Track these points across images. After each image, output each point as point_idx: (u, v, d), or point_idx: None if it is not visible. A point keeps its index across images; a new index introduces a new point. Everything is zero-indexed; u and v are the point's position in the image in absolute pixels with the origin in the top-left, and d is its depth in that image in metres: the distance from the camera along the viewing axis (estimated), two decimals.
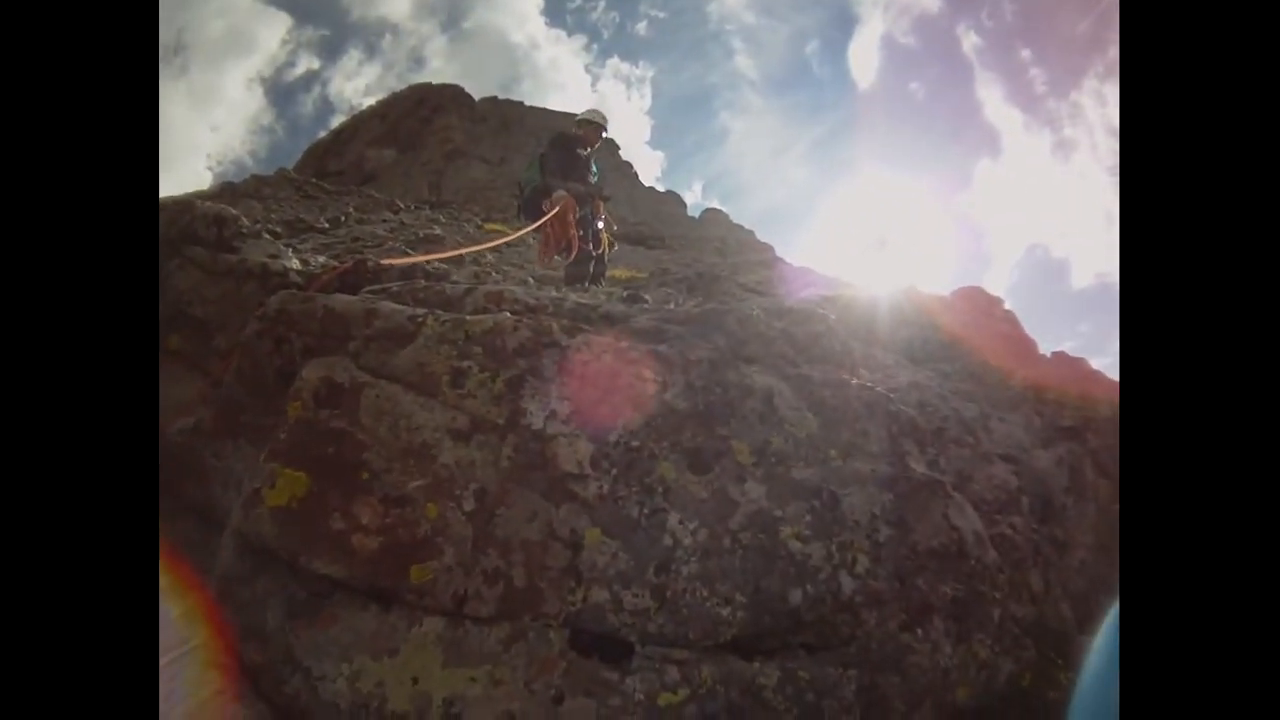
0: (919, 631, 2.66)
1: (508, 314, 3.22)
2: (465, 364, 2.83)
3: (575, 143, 8.85)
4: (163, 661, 2.55)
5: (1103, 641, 1.32)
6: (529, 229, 7.95)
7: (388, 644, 2.50)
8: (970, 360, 4.06)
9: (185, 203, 4.82)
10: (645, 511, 2.64)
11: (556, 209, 8.02)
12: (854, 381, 3.15)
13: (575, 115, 9.18)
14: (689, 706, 2.42)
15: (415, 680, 2.43)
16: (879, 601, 2.64)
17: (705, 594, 2.55)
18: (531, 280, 6.83)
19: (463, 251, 7.58)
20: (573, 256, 8.20)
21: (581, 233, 8.21)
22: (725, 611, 2.54)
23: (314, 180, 28.02)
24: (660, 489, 2.68)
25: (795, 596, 2.58)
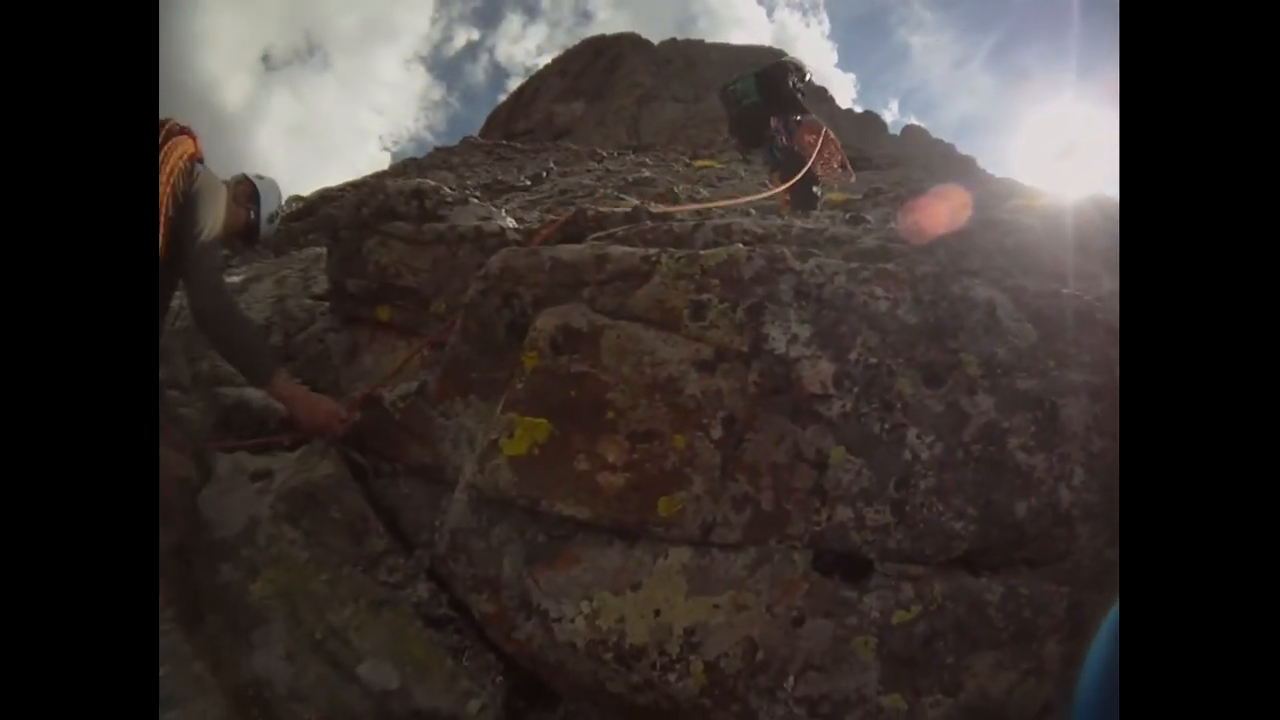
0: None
1: (740, 245, 3.54)
2: (704, 296, 3.15)
3: (792, 74, 9.38)
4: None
5: (1104, 640, 1.45)
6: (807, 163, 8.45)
7: (631, 579, 2.85)
8: None
9: (373, 184, 5.34)
10: (886, 427, 2.91)
11: (822, 134, 8.57)
12: (1064, 291, 3.31)
13: (763, 48, 9.72)
14: (920, 624, 2.68)
15: (657, 612, 2.77)
16: (1092, 515, 2.81)
17: (941, 508, 2.80)
18: (753, 211, 7.31)
19: (749, 199, 8.11)
20: (843, 179, 8.74)
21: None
22: (959, 525, 2.79)
23: (504, 142, 29.63)
24: (899, 404, 2.93)
25: (1021, 509, 2.80)
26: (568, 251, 3.52)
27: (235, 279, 7.31)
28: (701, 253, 3.32)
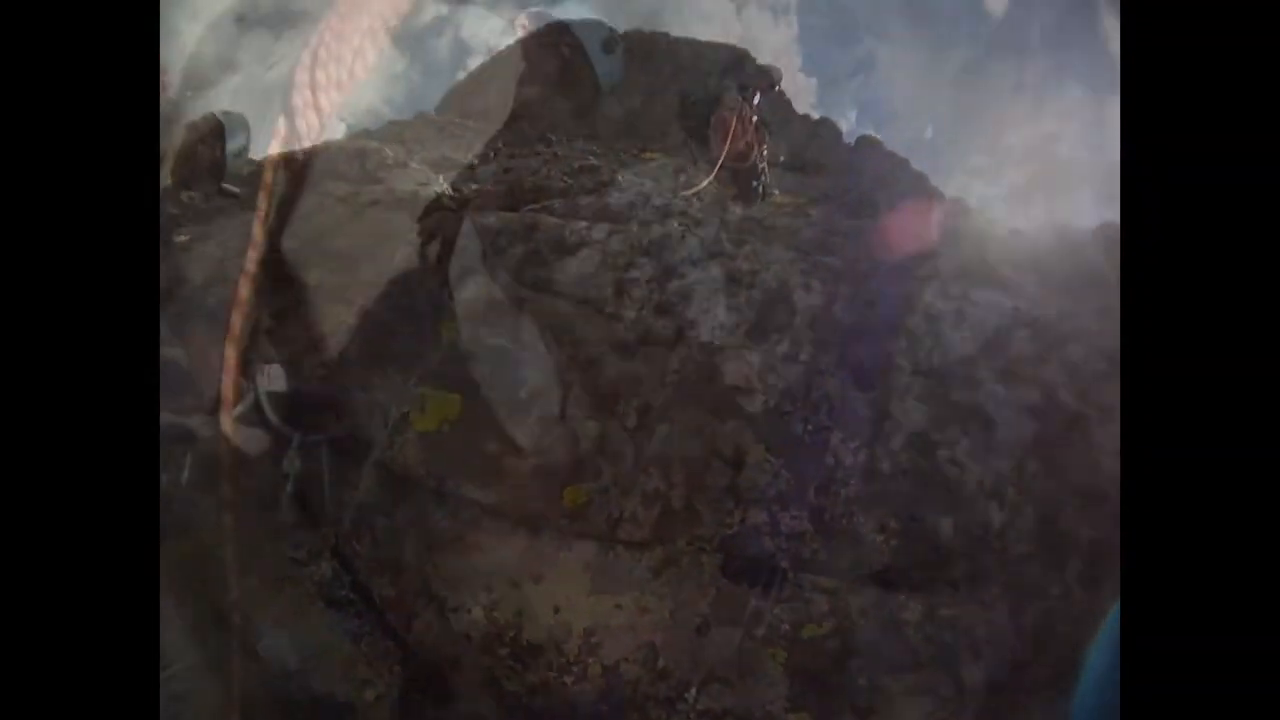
0: (1056, 574, 2.70)
1: (675, 224, 3.38)
2: (632, 275, 3.00)
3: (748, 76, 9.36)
4: None
5: (1104, 641, 1.43)
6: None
7: (532, 571, 2.68)
8: (1117, 300, 3.98)
9: (319, 146, 5.27)
10: (809, 429, 2.76)
11: (731, 121, 8.48)
12: (1011, 306, 3.19)
13: (727, 45, 9.63)
14: (831, 640, 2.54)
15: (557, 609, 2.61)
16: (1023, 538, 2.70)
17: (862, 519, 2.66)
18: (697, 200, 7.24)
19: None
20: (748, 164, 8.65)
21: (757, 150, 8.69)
22: (880, 539, 2.66)
23: (457, 120, 29.31)
24: (825, 406, 2.79)
25: (946, 526, 2.68)
26: (500, 218, 3.35)
27: (182, 238, 7.02)
28: (634, 229, 3.11)
